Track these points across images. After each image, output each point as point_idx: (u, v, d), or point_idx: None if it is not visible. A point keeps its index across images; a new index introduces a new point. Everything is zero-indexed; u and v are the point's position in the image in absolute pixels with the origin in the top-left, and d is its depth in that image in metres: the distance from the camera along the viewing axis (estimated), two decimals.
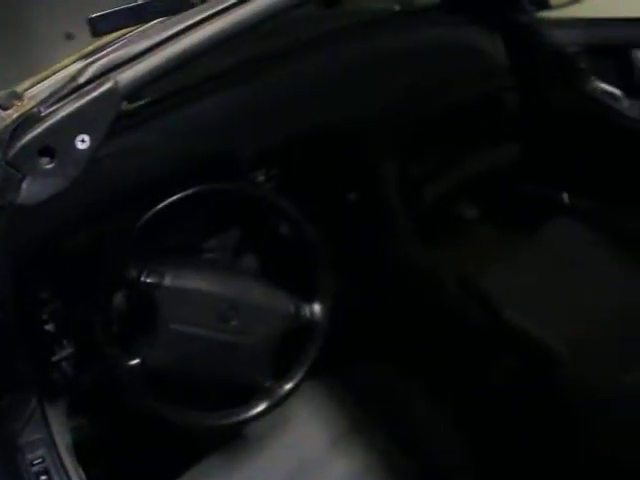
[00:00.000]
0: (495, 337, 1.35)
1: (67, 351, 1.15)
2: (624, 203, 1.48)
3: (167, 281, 1.13)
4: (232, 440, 1.32)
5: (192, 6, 0.84)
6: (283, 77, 1.29)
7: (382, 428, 1.34)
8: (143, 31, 0.85)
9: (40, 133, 0.76)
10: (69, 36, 1.46)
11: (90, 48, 0.85)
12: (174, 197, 1.14)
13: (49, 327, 1.13)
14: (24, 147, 0.75)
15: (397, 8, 1.54)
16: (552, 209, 1.57)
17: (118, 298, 1.15)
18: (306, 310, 1.25)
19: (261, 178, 1.30)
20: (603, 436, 1.25)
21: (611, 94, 1.44)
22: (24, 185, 0.76)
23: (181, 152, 1.23)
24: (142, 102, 1.21)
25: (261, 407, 1.22)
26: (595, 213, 1.51)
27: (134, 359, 1.12)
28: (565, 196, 1.60)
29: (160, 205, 1.13)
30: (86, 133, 0.78)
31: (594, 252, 1.45)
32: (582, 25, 1.51)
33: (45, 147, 0.76)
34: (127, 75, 0.80)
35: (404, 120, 1.40)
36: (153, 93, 1.24)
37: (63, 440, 1.14)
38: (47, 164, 0.77)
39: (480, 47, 1.52)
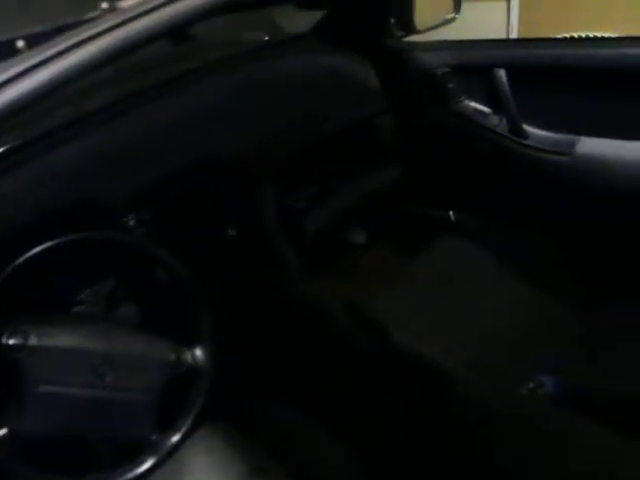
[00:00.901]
0: (388, 364, 1.34)
1: None
2: (503, 217, 1.52)
3: (32, 340, 1.05)
4: None
5: (18, 52, 0.79)
6: (146, 117, 1.25)
7: (281, 466, 1.30)
8: None
9: None
10: None
11: None
12: (36, 249, 1.07)
13: None
14: None
15: (266, 38, 1.53)
16: (438, 228, 1.60)
17: None
18: (188, 356, 1.19)
19: (132, 223, 1.24)
20: (505, 449, 1.26)
21: (480, 112, 1.48)
22: None
23: (44, 200, 1.17)
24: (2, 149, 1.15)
25: (149, 463, 1.15)
26: (480, 229, 1.54)
27: (2, 428, 1.04)
28: (450, 214, 1.63)
29: (20, 259, 1.06)
30: None
31: (481, 268, 1.48)
32: (449, 47, 1.55)
33: None
34: None
35: (279, 150, 1.38)
36: (13, 139, 1.18)
37: None
38: None
39: (352, 73, 1.53)
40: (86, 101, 1.21)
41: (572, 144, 1.38)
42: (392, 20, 1.58)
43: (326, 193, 1.47)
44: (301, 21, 1.55)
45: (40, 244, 1.07)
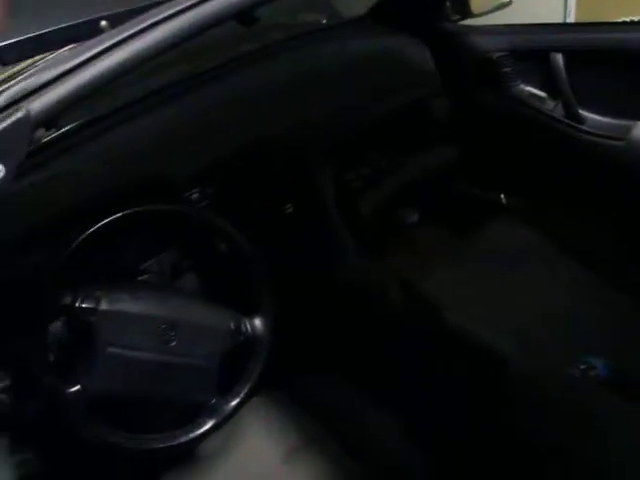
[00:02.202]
0: (441, 340, 1.37)
1: (4, 383, 1.14)
2: (556, 200, 1.53)
3: (103, 305, 1.12)
4: (183, 461, 1.31)
5: (101, 31, 0.84)
6: (213, 96, 1.30)
7: (334, 439, 1.35)
8: (54, 58, 0.85)
9: None
10: None
11: (0, 77, 0.85)
12: (106, 220, 1.14)
13: None
14: None
15: (324, 21, 1.57)
16: (490, 210, 1.61)
17: (55, 325, 1.14)
18: (247, 325, 1.25)
19: (196, 197, 1.30)
20: (553, 430, 1.28)
21: (536, 96, 1.49)
22: None
23: (113, 175, 1.23)
24: (72, 126, 1.21)
25: (208, 425, 1.22)
26: (531, 212, 1.55)
27: (74, 386, 1.11)
28: (502, 196, 1.65)
29: (92, 229, 1.12)
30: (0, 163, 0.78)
31: (533, 250, 1.49)
32: (504, 31, 1.56)
33: None
34: (39, 103, 0.80)
35: (337, 131, 1.42)
36: (82, 117, 1.24)
37: (9, 476, 1.12)
38: None
39: (407, 55, 1.55)
40: (152, 79, 1.27)
41: (628, 129, 1.38)
42: (448, 3, 1.60)
43: (381, 173, 1.50)
44: (358, 4, 1.57)
45: (109, 216, 1.14)
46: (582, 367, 1.35)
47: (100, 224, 1.13)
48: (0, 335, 1.11)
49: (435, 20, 1.59)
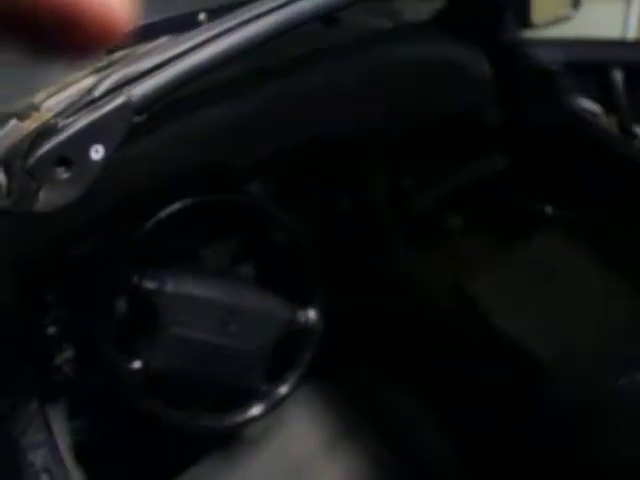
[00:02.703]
0: (484, 345, 1.40)
1: (69, 354, 1.19)
2: (603, 216, 1.55)
3: (168, 287, 1.17)
4: (229, 442, 1.36)
5: (200, 24, 0.88)
6: (278, 91, 1.34)
7: (374, 431, 1.38)
8: (153, 47, 0.89)
9: (57, 144, 0.79)
10: None
11: (103, 63, 0.89)
12: (173, 207, 1.18)
13: (51, 330, 1.16)
14: (42, 157, 0.79)
15: (389, 24, 1.60)
16: (537, 220, 1.63)
17: (121, 303, 1.19)
18: (301, 316, 1.30)
19: (257, 188, 1.34)
20: (594, 441, 1.30)
21: (591, 111, 1.51)
22: (41, 193, 0.80)
23: (180, 163, 1.27)
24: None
25: (258, 410, 1.27)
26: (578, 225, 1.58)
27: (136, 362, 1.16)
28: (549, 208, 1.67)
29: (160, 214, 1.17)
30: (100, 144, 0.82)
31: (578, 262, 1.51)
32: (563, 44, 1.58)
33: (62, 157, 0.80)
34: (139, 90, 0.84)
35: (393, 133, 1.45)
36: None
37: (64, 441, 1.17)
38: (63, 173, 0.81)
39: (466, 63, 1.58)
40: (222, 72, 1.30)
41: None
42: (509, 14, 1.62)
43: (431, 177, 1.53)
44: (422, 10, 1.60)
45: (174, 203, 1.18)
46: (623, 381, 1.36)
47: (168, 210, 1.18)
48: (70, 308, 1.16)
49: (496, 29, 1.61)
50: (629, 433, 1.25)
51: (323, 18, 1.03)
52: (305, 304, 1.30)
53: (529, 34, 1.62)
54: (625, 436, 1.25)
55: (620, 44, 1.71)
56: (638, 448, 1.22)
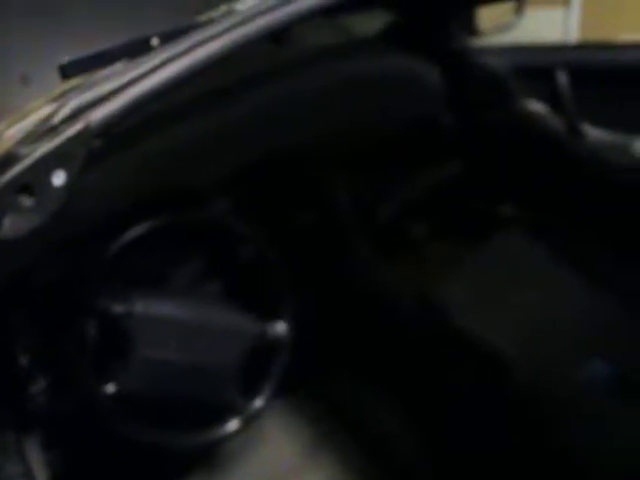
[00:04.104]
0: (451, 347, 1.44)
1: (42, 383, 1.18)
2: (561, 215, 1.60)
3: (137, 309, 1.18)
4: (209, 459, 1.37)
5: (153, 48, 0.90)
6: (234, 110, 1.37)
7: (350, 439, 1.40)
8: (108, 73, 0.91)
9: (19, 172, 0.81)
10: (25, 80, 1.49)
11: (61, 90, 0.90)
12: (137, 230, 1.20)
13: (22, 360, 1.16)
14: (4, 185, 0.80)
15: (341, 40, 1.64)
16: (497, 222, 1.68)
17: (91, 327, 1.19)
18: (270, 329, 1.32)
19: (221, 206, 1.36)
20: (559, 434, 1.33)
21: (540, 112, 1.57)
22: (6, 221, 0.81)
23: (141, 186, 1.28)
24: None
25: (235, 425, 1.28)
26: (537, 225, 1.63)
27: (110, 386, 1.17)
28: (508, 209, 1.72)
29: (125, 237, 1.18)
30: (62, 169, 0.83)
31: (538, 261, 1.56)
32: (509, 50, 1.64)
33: (24, 184, 0.81)
34: (97, 114, 0.86)
35: (351, 146, 1.49)
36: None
37: (41, 473, 1.16)
38: (26, 201, 0.82)
39: (417, 75, 1.63)
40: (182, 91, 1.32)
41: (630, 145, 1.45)
42: (456, 24, 1.68)
43: (393, 186, 1.57)
44: (372, 24, 1.65)
45: (138, 226, 1.20)
46: (584, 372, 1.41)
47: (132, 233, 1.19)
48: (40, 335, 1.16)
49: (444, 39, 1.66)
50: (590, 426, 1.29)
51: (274, 37, 1.05)
52: (274, 317, 1.32)
53: (476, 42, 1.68)
54: (587, 429, 1.29)
55: (563, 48, 1.78)
56: (600, 440, 1.26)
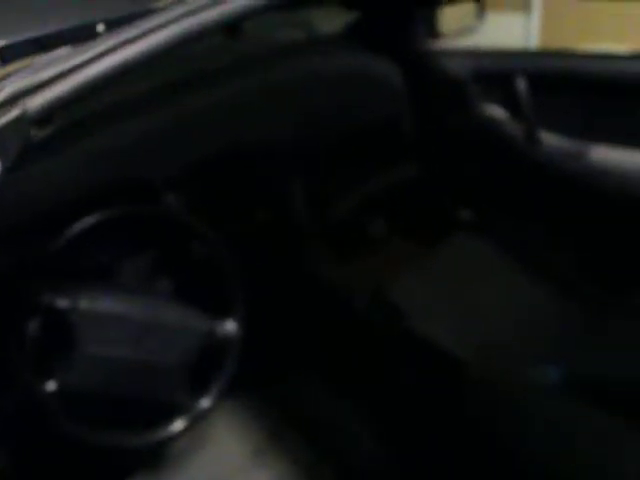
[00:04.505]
0: (406, 347, 1.43)
1: None
2: (518, 218, 1.61)
3: (82, 305, 1.15)
4: (155, 459, 1.34)
5: (98, 35, 0.88)
6: (193, 103, 1.34)
7: (301, 437, 1.39)
8: (50, 59, 0.88)
9: None
10: None
11: None
12: (86, 221, 1.16)
13: None
14: None
15: (302, 36, 1.63)
16: (454, 224, 1.69)
17: (33, 323, 1.15)
18: (220, 328, 1.29)
19: (174, 200, 1.33)
20: (512, 432, 1.34)
21: (499, 117, 1.57)
22: None
23: (94, 176, 1.26)
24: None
25: (181, 425, 1.25)
26: (493, 227, 1.63)
27: (51, 383, 1.13)
28: (467, 212, 1.72)
29: (73, 229, 1.15)
30: None
31: (492, 263, 1.56)
32: (470, 54, 1.64)
33: None
34: (36, 101, 0.83)
35: (308, 143, 1.48)
36: (62, 119, 1.26)
37: None
38: None
39: (378, 74, 1.62)
40: (138, 84, 1.30)
41: (586, 152, 1.46)
42: (418, 25, 1.68)
43: (350, 184, 1.56)
44: (336, 22, 1.64)
45: (88, 217, 1.16)
46: (536, 373, 1.42)
47: (80, 225, 1.15)
48: None
49: (406, 40, 1.66)
50: (541, 426, 1.30)
51: (225, 29, 1.03)
52: (224, 316, 1.29)
53: (437, 45, 1.68)
54: (541, 430, 1.30)
55: (523, 53, 1.78)
56: (551, 440, 1.27)
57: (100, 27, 0.89)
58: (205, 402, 1.27)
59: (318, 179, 1.51)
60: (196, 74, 1.36)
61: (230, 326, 1.30)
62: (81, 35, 0.88)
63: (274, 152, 1.41)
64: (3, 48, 0.82)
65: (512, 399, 1.37)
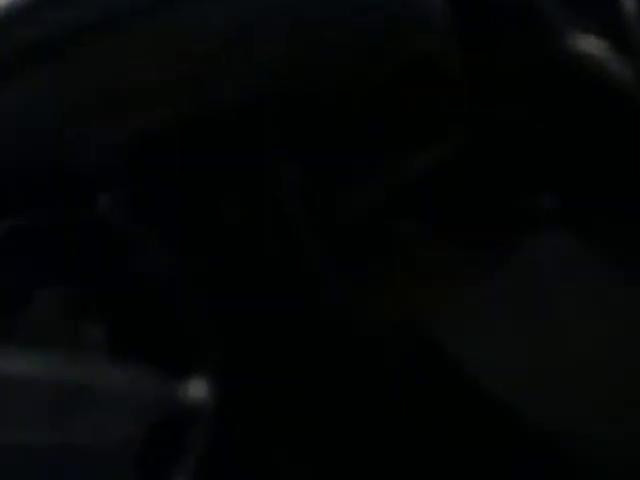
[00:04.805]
0: (450, 409, 0.97)
1: None
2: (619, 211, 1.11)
3: None
4: None
5: None
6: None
7: None
8: None
9: None
10: None
11: None
12: None
13: None
14: None
15: None
16: (527, 221, 1.17)
17: None
18: (180, 390, 0.91)
19: (107, 201, 0.92)
20: None
21: (595, 52, 1.09)
22: None
23: None
24: None
25: None
26: (588, 221, 1.12)
27: None
28: (545, 201, 1.21)
29: None
30: None
31: (586, 280, 1.08)
32: None
33: None
34: None
35: (308, 98, 1.00)
36: None
37: None
38: None
39: None
40: None
41: None
42: None
43: (368, 164, 1.08)
44: None
45: None
46: None
47: None
48: None
49: None
50: None
51: None
52: (186, 372, 0.90)
53: None
54: None
55: None
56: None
57: None
58: None
59: (319, 157, 1.01)
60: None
61: (196, 388, 0.91)
62: None
63: (252, 116, 0.94)
64: None
65: None
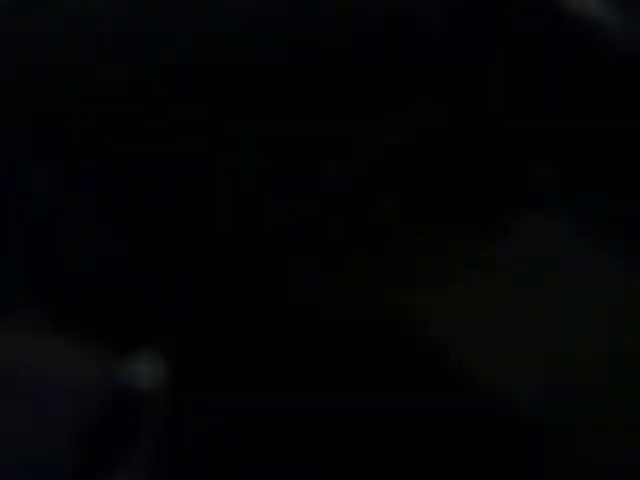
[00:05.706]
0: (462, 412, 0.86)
1: None
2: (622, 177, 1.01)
3: None
4: None
5: None
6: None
7: None
8: None
9: None
10: None
11: None
12: None
13: None
14: None
15: None
16: (526, 197, 1.07)
17: None
18: (126, 370, 0.82)
19: (40, 178, 0.85)
20: None
21: (599, 15, 0.99)
22: None
23: None
24: None
25: None
26: (594, 198, 1.01)
27: None
28: (548, 174, 1.11)
29: None
30: None
31: (594, 265, 0.96)
32: None
33: None
34: None
35: (273, 65, 0.91)
36: None
37: None
38: None
39: None
40: None
41: None
42: None
43: (343, 135, 0.99)
44: None
45: None
46: None
47: None
48: None
49: None
50: None
51: None
52: (136, 349, 0.81)
53: None
54: None
55: None
56: None
57: None
58: None
59: (288, 129, 0.91)
60: None
61: (147, 369, 0.82)
62: None
63: (207, 82, 0.86)
64: None
65: None
